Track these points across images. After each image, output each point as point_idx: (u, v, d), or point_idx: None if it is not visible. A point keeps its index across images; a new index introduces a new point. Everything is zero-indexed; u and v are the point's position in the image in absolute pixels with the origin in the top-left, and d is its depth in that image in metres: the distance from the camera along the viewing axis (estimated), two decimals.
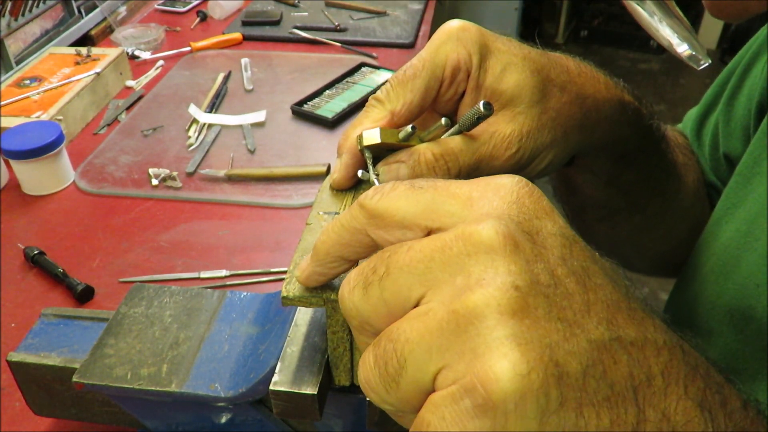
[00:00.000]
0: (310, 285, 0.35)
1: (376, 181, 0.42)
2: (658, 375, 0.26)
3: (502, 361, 0.24)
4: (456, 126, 0.43)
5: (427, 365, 0.26)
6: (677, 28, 0.46)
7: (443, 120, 0.41)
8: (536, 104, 0.44)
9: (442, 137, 0.43)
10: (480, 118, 0.40)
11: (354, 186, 0.45)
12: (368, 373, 0.27)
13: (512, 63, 0.44)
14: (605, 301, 0.27)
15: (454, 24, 0.45)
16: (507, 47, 0.45)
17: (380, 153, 0.43)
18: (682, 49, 0.46)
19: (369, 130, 0.42)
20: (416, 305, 0.27)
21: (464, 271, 0.26)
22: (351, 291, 0.29)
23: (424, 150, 0.41)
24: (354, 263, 0.33)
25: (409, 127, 0.42)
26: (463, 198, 0.29)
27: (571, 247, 0.28)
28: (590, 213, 0.63)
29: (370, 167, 0.42)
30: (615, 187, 0.57)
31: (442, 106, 0.46)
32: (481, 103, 0.39)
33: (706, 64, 0.46)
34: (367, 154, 0.42)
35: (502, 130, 0.43)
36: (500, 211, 0.28)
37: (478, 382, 0.24)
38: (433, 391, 0.26)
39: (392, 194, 0.30)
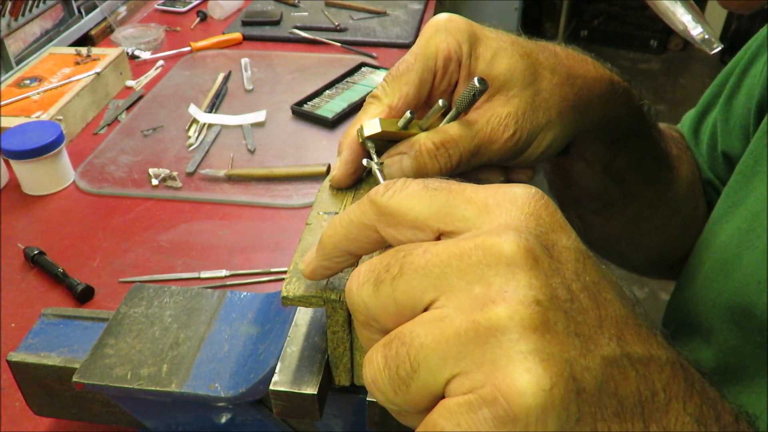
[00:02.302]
0: (315, 278, 0.35)
1: (378, 173, 0.42)
2: (660, 391, 0.27)
3: (525, 375, 0.24)
4: (454, 108, 0.43)
5: (441, 371, 0.26)
6: (692, 13, 0.46)
7: (440, 102, 0.41)
8: (529, 86, 0.44)
9: (441, 125, 0.43)
10: (476, 95, 0.40)
11: (354, 185, 0.45)
12: (377, 373, 0.27)
13: (502, 48, 0.45)
14: (614, 317, 0.27)
15: (441, 17, 0.46)
16: (495, 35, 0.46)
17: (382, 146, 0.43)
18: (697, 32, 0.46)
19: (369, 121, 0.42)
20: (426, 309, 0.27)
21: (483, 281, 0.26)
22: (360, 286, 0.29)
23: (425, 140, 0.42)
24: (358, 258, 0.33)
25: (407, 113, 0.42)
26: (479, 204, 0.29)
27: (584, 262, 0.28)
28: (586, 206, 0.63)
29: (374, 156, 0.42)
30: (608, 175, 0.57)
31: (437, 98, 0.46)
32: (476, 78, 0.40)
33: (719, 48, 0.47)
34: (369, 144, 0.43)
35: (499, 113, 0.44)
36: (518, 222, 0.28)
37: (499, 394, 0.24)
38: (443, 396, 0.26)
39: (404, 192, 0.30)
